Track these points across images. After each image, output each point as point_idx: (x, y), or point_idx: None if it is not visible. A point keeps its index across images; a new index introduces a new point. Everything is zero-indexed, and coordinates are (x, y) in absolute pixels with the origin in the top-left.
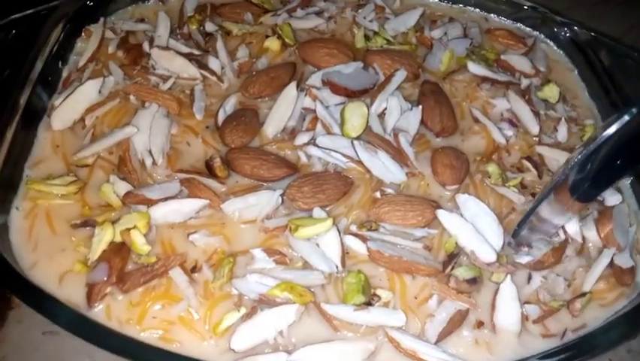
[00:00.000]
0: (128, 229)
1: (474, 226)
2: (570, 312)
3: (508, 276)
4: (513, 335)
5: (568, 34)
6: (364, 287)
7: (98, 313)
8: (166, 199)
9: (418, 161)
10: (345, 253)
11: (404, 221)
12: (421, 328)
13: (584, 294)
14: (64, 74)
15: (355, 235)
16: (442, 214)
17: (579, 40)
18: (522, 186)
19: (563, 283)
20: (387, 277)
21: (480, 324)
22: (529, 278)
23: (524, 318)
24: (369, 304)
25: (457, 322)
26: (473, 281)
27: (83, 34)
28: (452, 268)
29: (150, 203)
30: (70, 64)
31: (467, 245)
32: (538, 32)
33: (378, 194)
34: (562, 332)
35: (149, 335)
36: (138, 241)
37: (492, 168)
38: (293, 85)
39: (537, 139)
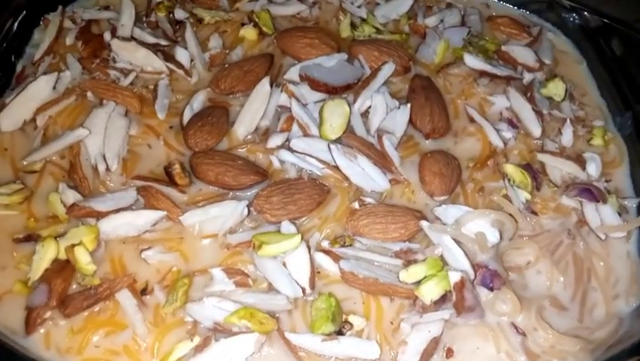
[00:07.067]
0: (73, 245)
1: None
2: None
3: None
4: None
5: (577, 21)
6: (335, 314)
7: (36, 341)
8: (118, 210)
9: (403, 166)
10: (315, 272)
11: (385, 235)
12: (394, 359)
13: None
14: (19, 68)
15: (327, 252)
16: (427, 226)
17: (589, 27)
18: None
19: None
20: (362, 300)
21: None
22: None
23: None
24: (339, 333)
25: (430, 351)
26: (442, 301)
27: (41, 23)
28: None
29: (100, 215)
30: (26, 57)
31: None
32: (544, 20)
33: (356, 204)
34: None
35: None
36: (82, 259)
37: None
38: (266, 80)
39: (539, 143)
